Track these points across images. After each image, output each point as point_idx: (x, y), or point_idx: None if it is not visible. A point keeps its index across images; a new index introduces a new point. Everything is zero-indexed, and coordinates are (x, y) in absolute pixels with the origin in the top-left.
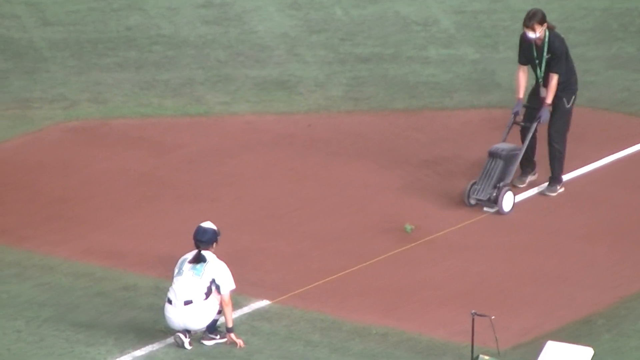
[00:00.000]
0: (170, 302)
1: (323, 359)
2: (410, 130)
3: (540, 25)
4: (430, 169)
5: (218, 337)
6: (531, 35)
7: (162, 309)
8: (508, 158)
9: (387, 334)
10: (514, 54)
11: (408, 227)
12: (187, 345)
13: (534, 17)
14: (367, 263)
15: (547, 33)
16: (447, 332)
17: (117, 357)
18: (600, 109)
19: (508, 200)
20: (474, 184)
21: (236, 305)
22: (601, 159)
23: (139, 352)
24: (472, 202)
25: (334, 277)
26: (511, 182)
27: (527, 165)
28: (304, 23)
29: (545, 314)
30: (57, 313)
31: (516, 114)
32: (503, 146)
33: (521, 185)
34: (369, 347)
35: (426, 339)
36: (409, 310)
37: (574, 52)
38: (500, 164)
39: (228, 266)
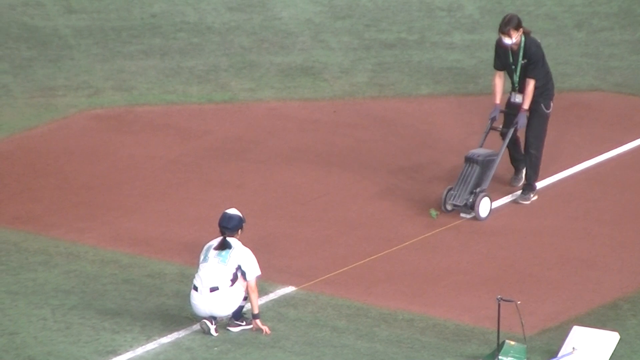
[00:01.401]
0: (196, 288)
1: (349, 345)
2: (435, 115)
3: (516, 31)
4: (456, 154)
5: (244, 323)
6: (507, 41)
7: (188, 295)
8: (485, 163)
9: (414, 320)
10: (539, 38)
11: (433, 212)
12: (213, 332)
13: (509, 23)
14: (393, 249)
15: (523, 38)
16: (473, 317)
17: (143, 344)
18: (626, 93)
19: (485, 206)
20: (451, 189)
21: (262, 292)
22: (627, 143)
23: (165, 339)
24: (449, 207)
25: (360, 263)
26: (493, 185)
27: (519, 163)
28: (329, 9)
29: (571, 299)
30: (83, 300)
31: (493, 119)
32: (480, 151)
33: (519, 184)
34: (396, 333)
35: (452, 325)
36: (435, 296)
37: (598, 37)
38: (476, 169)
39: (254, 252)
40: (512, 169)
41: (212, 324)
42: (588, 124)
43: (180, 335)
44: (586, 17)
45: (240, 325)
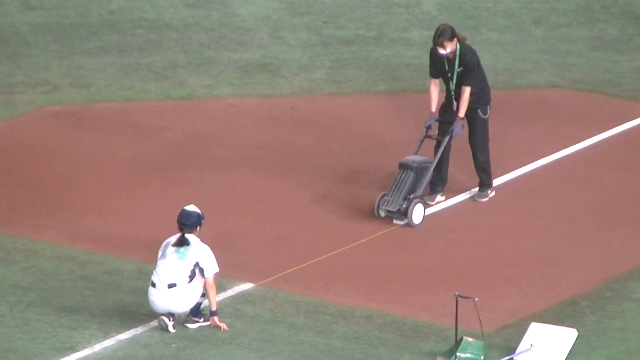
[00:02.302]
0: (154, 285)
1: (307, 342)
2: (393, 112)
3: (450, 42)
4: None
5: (202, 320)
6: (442, 52)
7: (146, 292)
8: (419, 170)
9: (372, 317)
10: (497, 35)
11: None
12: (171, 329)
13: (442, 35)
14: (352, 246)
15: (458, 46)
16: (431, 314)
17: (101, 341)
18: (584, 90)
19: (418, 213)
20: (384, 195)
21: (220, 289)
22: (586, 139)
23: (123, 336)
24: (382, 213)
25: (318, 259)
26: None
27: (438, 183)
28: (287, 6)
29: (530, 296)
30: (41, 297)
31: (429, 127)
32: (414, 158)
33: (431, 203)
34: (353, 329)
35: (410, 321)
36: (394, 293)
37: (556, 34)
38: (411, 175)
39: (212, 249)
40: (462, 168)
41: (170, 320)
42: (546, 120)
43: (138, 332)
44: (544, 14)
45: (198, 321)
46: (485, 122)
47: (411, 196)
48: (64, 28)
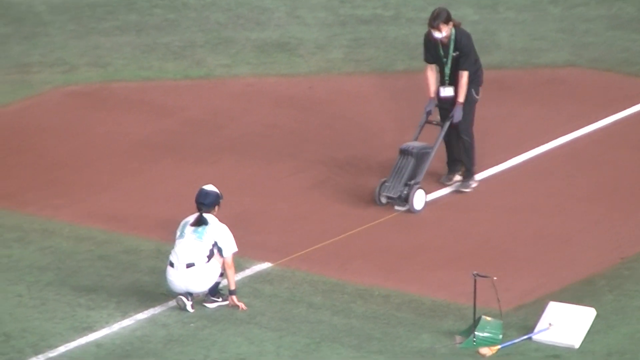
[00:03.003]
0: (172, 265)
1: (325, 321)
2: (410, 91)
3: (445, 25)
4: (434, 130)
5: (220, 299)
6: (437, 35)
7: (164, 272)
8: (419, 156)
9: (390, 296)
10: (514, 14)
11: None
12: (189, 308)
13: (438, 18)
14: (369, 225)
15: (453, 31)
16: (449, 293)
17: (119, 321)
18: (601, 69)
19: (419, 199)
20: (385, 181)
21: (238, 268)
22: (602, 119)
23: (141, 315)
24: (383, 200)
25: (335, 239)
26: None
27: (455, 164)
28: None
29: (547, 275)
30: (58, 277)
31: (429, 112)
32: (414, 144)
33: (448, 183)
34: (372, 309)
35: (428, 301)
36: (411, 272)
37: (574, 13)
38: (411, 161)
39: (230, 229)
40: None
41: (188, 300)
42: (563, 100)
43: (156, 312)
44: None
45: (216, 301)
46: (473, 103)
47: (412, 182)
48: (81, 7)
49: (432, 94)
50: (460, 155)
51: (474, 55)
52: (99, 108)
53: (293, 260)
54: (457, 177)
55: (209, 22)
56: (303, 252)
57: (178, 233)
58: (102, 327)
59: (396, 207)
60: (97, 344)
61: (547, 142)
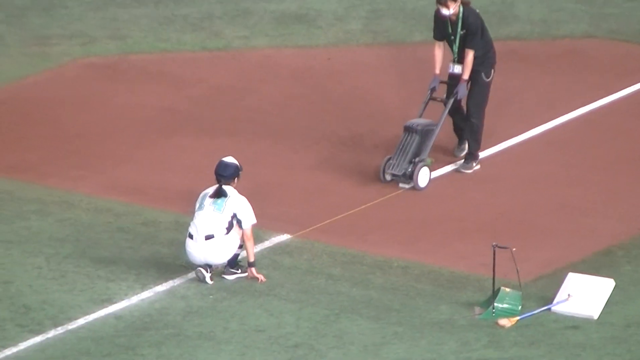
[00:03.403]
0: (191, 236)
1: (344, 293)
2: (429, 62)
3: (454, 2)
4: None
5: (239, 271)
6: (445, 12)
7: (183, 244)
8: (424, 133)
9: (409, 267)
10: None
11: (428, 159)
12: (208, 280)
13: None
14: (388, 197)
15: (461, 9)
16: (468, 264)
17: (138, 293)
18: (620, 40)
19: (424, 176)
20: (389, 159)
21: (257, 240)
22: (621, 90)
23: (161, 287)
24: (388, 177)
25: (355, 210)
26: (446, 155)
27: (463, 132)
28: None
29: (566, 246)
30: (77, 249)
31: (433, 89)
32: (419, 121)
33: (462, 154)
34: (390, 280)
35: (447, 272)
36: (430, 243)
37: None
38: (416, 139)
39: (249, 201)
40: (499, 118)
41: (207, 272)
42: (582, 71)
43: (175, 284)
44: None
45: (235, 273)
46: (486, 85)
47: (416, 159)
48: None
49: (437, 70)
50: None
51: (485, 35)
52: (118, 80)
53: (312, 232)
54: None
55: None
56: (322, 223)
57: (197, 205)
58: (121, 299)
59: (400, 185)
60: (116, 316)
61: (565, 112)
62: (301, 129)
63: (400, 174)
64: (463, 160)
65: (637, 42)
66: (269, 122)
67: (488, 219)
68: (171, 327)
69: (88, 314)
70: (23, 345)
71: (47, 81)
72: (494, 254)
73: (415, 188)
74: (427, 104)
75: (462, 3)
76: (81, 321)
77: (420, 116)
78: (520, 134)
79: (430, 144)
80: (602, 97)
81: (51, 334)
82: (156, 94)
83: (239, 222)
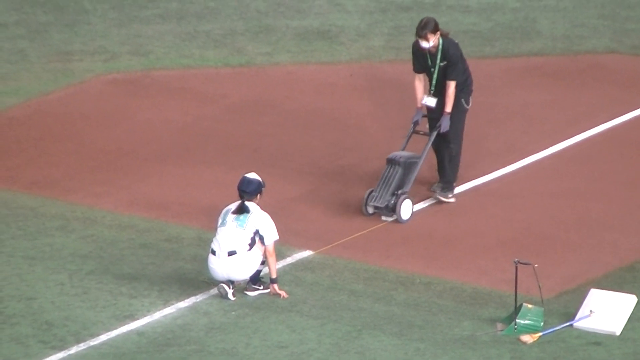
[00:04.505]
0: (214, 252)
1: (367, 309)
2: None
3: (433, 34)
4: (475, 117)
5: (262, 287)
6: (425, 44)
7: (206, 260)
8: (407, 165)
9: (431, 283)
10: (554, 1)
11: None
12: (230, 296)
13: (426, 27)
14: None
15: (441, 40)
16: (490, 280)
17: (160, 309)
18: None
19: (406, 208)
20: (372, 191)
21: (280, 256)
22: None
23: (183, 304)
24: (370, 210)
25: (377, 226)
26: (410, 189)
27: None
28: None
29: (588, 261)
30: (100, 265)
31: (416, 123)
32: (402, 153)
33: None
34: (413, 296)
35: (470, 288)
36: (452, 259)
37: None
38: (398, 171)
39: (271, 217)
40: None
41: (229, 288)
42: (604, 86)
43: (198, 300)
44: None
45: (257, 289)
46: (464, 112)
47: (399, 192)
48: None
49: (419, 104)
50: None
51: (463, 64)
52: (141, 96)
53: (334, 248)
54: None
55: (250, 10)
56: (344, 239)
57: (220, 221)
58: (144, 315)
59: (383, 217)
60: (138, 332)
61: (589, 128)
62: (325, 144)
63: (382, 206)
64: (441, 189)
65: None
66: (292, 138)
67: (510, 235)
68: (194, 343)
69: (110, 330)
70: None
71: (69, 97)
72: (516, 270)
73: (398, 221)
74: (410, 137)
75: (442, 35)
76: (103, 337)
77: (404, 149)
78: (543, 149)
79: (414, 176)
80: (625, 112)
81: (73, 350)
82: (179, 109)
83: (262, 239)
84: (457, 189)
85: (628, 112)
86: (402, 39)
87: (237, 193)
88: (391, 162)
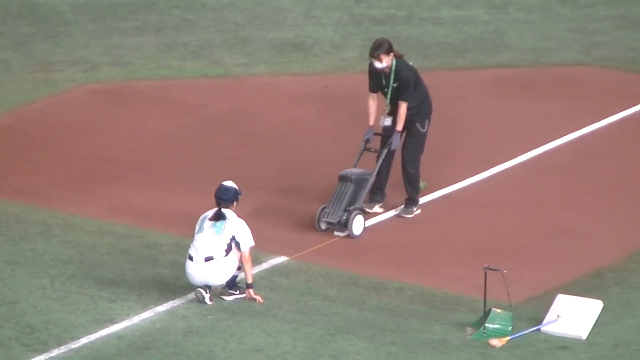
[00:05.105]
0: (191, 258)
1: (340, 313)
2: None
3: (386, 55)
4: (447, 128)
5: (238, 292)
6: (378, 65)
7: (184, 265)
8: (358, 182)
9: (403, 289)
10: (524, 14)
11: (422, 184)
12: (207, 301)
13: (379, 48)
14: (383, 219)
15: (394, 62)
16: (460, 286)
17: (139, 313)
18: (610, 68)
19: (358, 224)
20: (324, 207)
21: (255, 262)
22: (611, 116)
23: (161, 308)
24: (323, 226)
25: (331, 241)
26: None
27: (377, 193)
28: None
29: (556, 268)
30: (81, 270)
31: (367, 140)
32: (354, 170)
33: (368, 211)
34: (385, 301)
35: (440, 293)
36: (424, 266)
37: (583, 13)
38: (350, 187)
39: (247, 224)
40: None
41: (206, 292)
42: (573, 97)
43: (176, 304)
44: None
45: (234, 294)
46: (421, 136)
47: (351, 208)
48: (103, 8)
49: (372, 122)
50: (383, 187)
51: (419, 87)
52: (120, 106)
53: (309, 254)
54: (377, 208)
55: (227, 22)
56: (319, 246)
57: (197, 227)
58: (123, 319)
59: (335, 233)
60: (118, 335)
61: (557, 138)
62: (299, 154)
63: (335, 221)
64: (403, 206)
65: (626, 70)
66: (268, 147)
67: (480, 242)
68: (172, 346)
69: (91, 333)
70: None
71: (51, 106)
72: (486, 276)
73: (350, 236)
74: (361, 154)
75: (395, 56)
76: (84, 340)
77: (355, 166)
78: (513, 158)
79: (365, 192)
80: (593, 123)
81: (54, 353)
82: (158, 119)
83: (238, 245)
84: (429, 197)
85: (596, 122)
86: None
87: (214, 201)
88: (343, 179)
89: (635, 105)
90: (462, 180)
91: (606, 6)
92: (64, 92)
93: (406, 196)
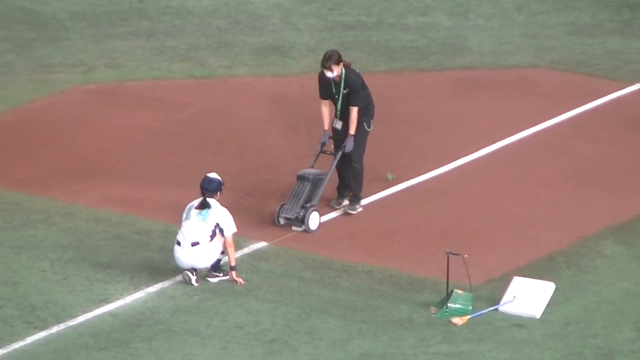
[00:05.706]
0: (179, 243)
1: (315, 294)
2: (391, 89)
3: (336, 66)
4: (413, 124)
5: (221, 275)
6: (329, 74)
7: (172, 250)
8: (315, 181)
9: (372, 271)
10: (483, 21)
11: (389, 176)
12: (194, 282)
13: (330, 59)
14: (356, 210)
15: (344, 71)
16: (425, 269)
17: (132, 293)
18: (561, 70)
19: (314, 220)
20: (283, 204)
21: (238, 247)
22: (563, 114)
23: (152, 289)
24: (282, 221)
25: (324, 221)
26: (324, 203)
27: (344, 190)
28: None
29: (512, 253)
30: (78, 254)
31: (323, 144)
32: (311, 171)
33: (337, 207)
34: (356, 282)
35: (407, 276)
36: (392, 250)
37: (537, 20)
38: (307, 186)
39: (230, 212)
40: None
41: (193, 275)
42: (527, 96)
43: (165, 285)
44: (525, 2)
45: (218, 276)
46: (365, 134)
47: (308, 205)
48: (99, 15)
49: (326, 127)
50: (349, 182)
51: (364, 92)
52: (115, 104)
53: (286, 240)
54: (346, 202)
55: (211, 28)
56: (295, 232)
57: (184, 215)
58: (117, 299)
59: (293, 228)
60: (112, 314)
61: (513, 134)
62: (278, 148)
63: (292, 217)
64: (349, 203)
65: (576, 72)
66: (249, 142)
67: (443, 229)
68: (161, 324)
69: (87, 312)
70: (29, 340)
71: (51, 105)
72: (448, 260)
73: (307, 231)
74: (318, 156)
75: (344, 65)
76: (81, 318)
77: (312, 167)
78: (473, 152)
79: (321, 191)
80: (545, 121)
81: (54, 329)
82: (149, 116)
83: (222, 231)
84: (396, 188)
85: (548, 120)
86: (346, 54)
87: (199, 191)
88: (301, 178)
89: (584, 104)
90: (427, 172)
91: (557, 14)
92: (63, 92)
93: (352, 193)
